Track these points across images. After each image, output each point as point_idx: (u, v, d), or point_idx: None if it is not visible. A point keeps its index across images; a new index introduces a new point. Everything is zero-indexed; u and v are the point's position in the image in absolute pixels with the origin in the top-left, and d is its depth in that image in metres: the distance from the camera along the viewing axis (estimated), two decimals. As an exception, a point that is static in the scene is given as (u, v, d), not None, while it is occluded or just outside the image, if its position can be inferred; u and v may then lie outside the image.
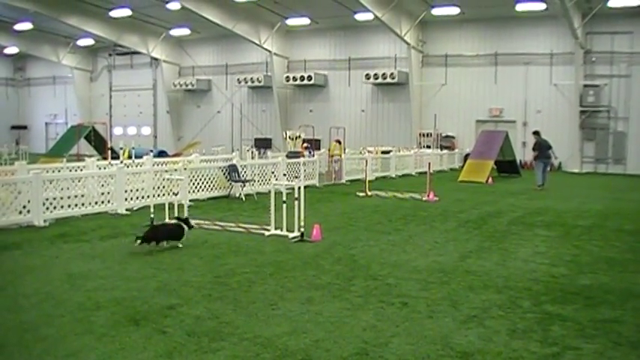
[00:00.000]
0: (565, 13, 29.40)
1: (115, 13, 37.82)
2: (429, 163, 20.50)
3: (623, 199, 19.94)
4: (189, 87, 45.45)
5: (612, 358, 5.60)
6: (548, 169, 24.12)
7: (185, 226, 10.44)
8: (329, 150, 24.51)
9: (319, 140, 35.52)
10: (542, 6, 32.02)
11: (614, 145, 34.04)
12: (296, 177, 16.67)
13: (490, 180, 24.71)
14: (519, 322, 6.54)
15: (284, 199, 11.66)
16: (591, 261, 9.75)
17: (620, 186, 25.23)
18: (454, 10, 34.19)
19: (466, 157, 30.68)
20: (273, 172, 17.13)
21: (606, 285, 8.22)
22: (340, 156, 24.18)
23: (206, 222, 13.07)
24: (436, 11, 34.60)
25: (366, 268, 8.98)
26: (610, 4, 30.81)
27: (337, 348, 5.70)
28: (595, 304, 7.30)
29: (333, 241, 11.04)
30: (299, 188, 11.37)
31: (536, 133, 23.97)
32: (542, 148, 23.31)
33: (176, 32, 42.69)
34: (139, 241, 9.76)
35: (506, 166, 28.70)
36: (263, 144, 39.98)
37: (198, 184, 17.26)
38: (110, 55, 49.53)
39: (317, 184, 21.97)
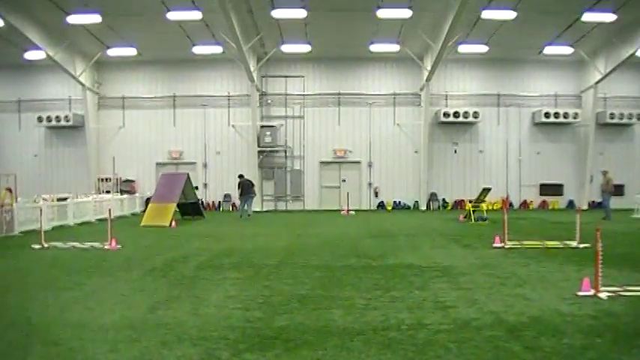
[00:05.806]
0: (241, 57, 30.23)
1: None
2: (110, 209, 19.31)
3: (305, 234, 20.62)
4: None
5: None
6: (252, 204, 29.72)
7: None
8: (-1, 199, 22.16)
9: (-12, 189, 32.25)
10: (218, 49, 32.69)
11: (292, 183, 35.84)
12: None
13: (174, 223, 24.12)
14: (218, 378, 5.94)
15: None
16: (284, 300, 9.48)
17: (300, 222, 26.29)
18: (131, 52, 33.52)
19: (147, 200, 29.87)
20: None
21: (303, 325, 7.93)
22: (12, 205, 21.96)
23: None
24: (112, 52, 33.57)
25: (45, 332, 7.67)
26: (283, 49, 32.55)
27: None
28: (295, 346, 6.95)
29: (4, 304, 9.44)
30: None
31: (240, 176, 29.50)
32: (244, 187, 28.68)
33: None
34: None
35: (190, 209, 28.41)
36: None
37: None
38: None
39: (-16, 238, 19.58)
